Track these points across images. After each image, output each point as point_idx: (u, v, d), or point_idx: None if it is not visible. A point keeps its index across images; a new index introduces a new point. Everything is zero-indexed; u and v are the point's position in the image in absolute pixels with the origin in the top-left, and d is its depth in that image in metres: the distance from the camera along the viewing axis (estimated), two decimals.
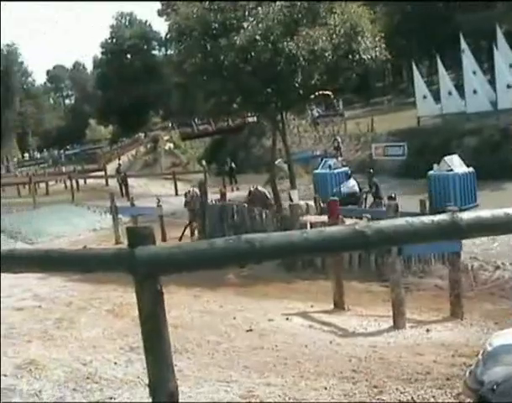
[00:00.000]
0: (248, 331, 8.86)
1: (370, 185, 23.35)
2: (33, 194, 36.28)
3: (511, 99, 32.69)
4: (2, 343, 7.90)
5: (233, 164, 38.45)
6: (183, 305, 10.38)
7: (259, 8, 18.51)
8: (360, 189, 23.33)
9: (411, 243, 6.48)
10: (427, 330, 9.37)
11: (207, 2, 19.01)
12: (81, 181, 45.14)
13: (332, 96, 41.24)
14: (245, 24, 18.12)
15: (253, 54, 17.82)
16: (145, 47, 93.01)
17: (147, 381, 2.95)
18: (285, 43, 17.70)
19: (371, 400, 6.08)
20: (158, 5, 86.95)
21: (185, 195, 22.16)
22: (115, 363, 7.00)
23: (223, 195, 21.35)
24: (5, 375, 6.57)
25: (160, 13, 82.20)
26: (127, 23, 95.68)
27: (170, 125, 66.99)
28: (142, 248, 2.88)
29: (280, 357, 7.43)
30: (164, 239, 19.94)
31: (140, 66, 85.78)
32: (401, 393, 6.21)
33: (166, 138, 61.08)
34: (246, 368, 6.94)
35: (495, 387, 2.06)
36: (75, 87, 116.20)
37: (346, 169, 28.04)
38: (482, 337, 8.72)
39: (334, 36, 18.10)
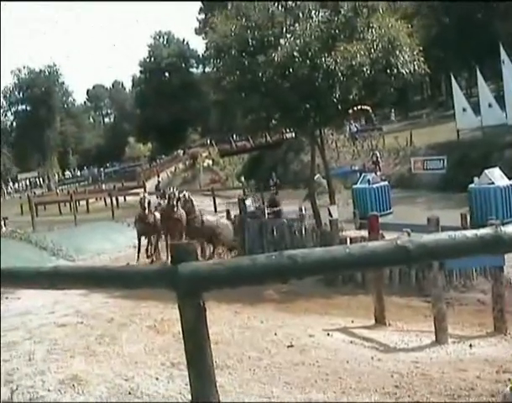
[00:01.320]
0: (288, 347, 8.85)
1: (270, 204, 23.12)
2: (74, 211, 36.71)
3: None
4: (45, 359, 8.03)
5: (278, 180, 38.64)
6: (223, 321, 10.41)
7: (297, 25, 18.57)
8: (258, 207, 22.93)
9: (454, 258, 6.43)
10: (470, 345, 9.24)
11: (244, 20, 19.13)
12: (121, 199, 45.65)
13: (370, 111, 41.16)
14: (282, 41, 18.17)
15: (291, 70, 17.86)
16: (183, 65, 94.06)
17: (188, 397, 2.97)
18: (323, 58, 17.70)
19: None
20: (195, 23, 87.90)
21: (140, 201, 21.10)
22: (157, 379, 7.05)
23: (262, 211, 21.37)
24: (49, 390, 6.67)
25: (198, 32, 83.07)
26: (165, 42, 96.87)
27: (209, 142, 67.47)
28: (185, 264, 2.91)
29: (322, 373, 7.41)
30: (203, 255, 20.01)
31: (178, 84, 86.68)
32: None
33: (205, 154, 61.51)
34: (287, 384, 6.93)
35: None
36: (115, 106, 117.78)
37: (385, 183, 27.88)
38: None
39: (372, 51, 18.04)
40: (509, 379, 6.74)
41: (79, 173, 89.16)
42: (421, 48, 19.19)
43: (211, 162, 59.57)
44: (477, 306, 12.83)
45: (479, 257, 8.36)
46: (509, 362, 7.94)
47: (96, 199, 50.23)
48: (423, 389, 6.84)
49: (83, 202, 46.83)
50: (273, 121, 20.81)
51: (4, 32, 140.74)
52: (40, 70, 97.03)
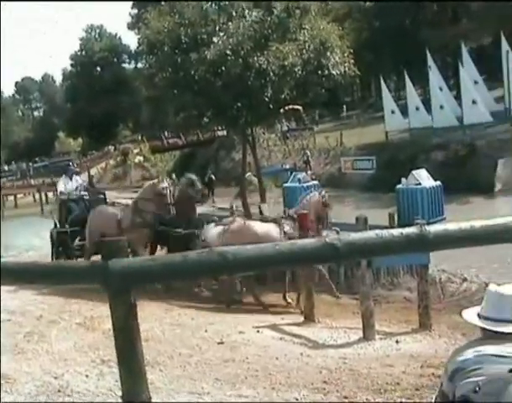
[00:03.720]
0: (219, 343, 8.88)
1: None
2: (2, 207, 35.89)
3: (476, 115, 33.36)
4: None
5: (213, 176, 38.52)
6: (154, 318, 10.36)
7: (230, 23, 18.64)
8: None
9: (381, 256, 6.59)
10: (397, 341, 9.44)
11: (177, 17, 19.09)
12: (50, 194, 44.78)
13: (302, 111, 41.68)
14: (215, 39, 18.23)
15: (223, 68, 17.93)
16: (115, 60, 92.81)
17: (119, 393, 2.97)
18: (256, 58, 17.83)
19: None
20: (127, 18, 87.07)
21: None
22: (86, 376, 6.99)
23: None
24: None
25: (130, 26, 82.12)
26: (96, 36, 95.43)
27: (140, 138, 66.82)
28: (116, 260, 2.92)
29: (251, 369, 7.47)
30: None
31: (110, 79, 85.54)
32: None
33: (136, 151, 60.92)
34: (217, 380, 6.98)
35: (477, 389, 2.24)
36: (44, 99, 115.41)
37: (315, 182, 28.22)
38: (449, 348, 8.83)
39: (304, 51, 18.28)
40: (433, 374, 6.96)
41: (6, 167, 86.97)
42: (352, 50, 19.56)
43: (142, 159, 59.05)
44: (403, 303, 13.12)
45: (406, 255, 8.58)
46: (433, 357, 8.16)
47: (25, 194, 49.19)
48: (351, 384, 6.98)
49: (11, 197, 45.81)
50: (205, 119, 20.80)
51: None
52: None
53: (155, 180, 14.54)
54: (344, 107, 62.20)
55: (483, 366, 2.39)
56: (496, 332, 2.53)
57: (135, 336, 2.96)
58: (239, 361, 7.90)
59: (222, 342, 8.93)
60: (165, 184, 14.14)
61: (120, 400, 2.99)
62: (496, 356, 2.43)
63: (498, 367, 2.37)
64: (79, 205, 16.44)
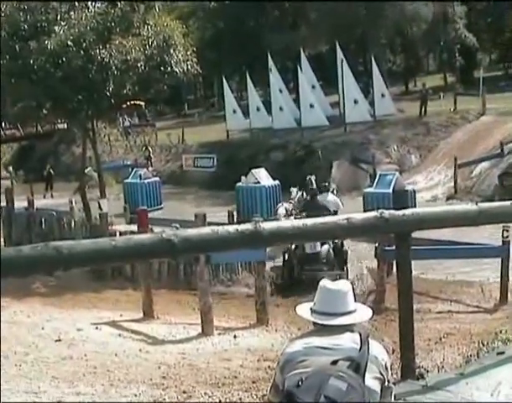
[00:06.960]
0: (56, 341, 8.73)
1: None
2: None
3: (313, 118, 34.70)
4: None
5: (52, 170, 37.50)
6: None
7: (72, 13, 18.14)
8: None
9: (217, 251, 6.76)
10: (234, 336, 9.68)
11: (16, 1, 18.35)
12: None
13: (144, 106, 41.48)
14: (57, 28, 17.67)
15: (64, 59, 17.44)
16: None
17: None
18: (98, 50, 17.51)
19: None
20: None
21: None
22: None
23: (31, 202, 20.60)
24: None
25: None
26: None
27: None
28: None
29: (90, 366, 7.42)
30: None
31: None
32: (209, 397, 6.47)
33: None
34: (55, 378, 6.87)
35: (300, 383, 2.37)
36: None
37: (156, 179, 28.22)
38: (285, 342, 9.18)
39: (147, 47, 18.16)
40: (269, 367, 7.23)
41: None
42: (195, 49, 19.68)
43: None
44: (241, 299, 13.41)
45: (243, 251, 8.79)
46: (269, 351, 8.46)
47: None
48: (190, 378, 7.11)
49: None
50: (43, 110, 20.15)
51: None
52: None
53: None
54: (186, 104, 62.43)
55: (310, 358, 2.53)
56: (324, 325, 2.69)
57: None
58: (77, 358, 7.81)
59: (59, 340, 8.80)
60: None
61: None
62: (322, 348, 2.57)
63: (323, 359, 2.50)
64: None
